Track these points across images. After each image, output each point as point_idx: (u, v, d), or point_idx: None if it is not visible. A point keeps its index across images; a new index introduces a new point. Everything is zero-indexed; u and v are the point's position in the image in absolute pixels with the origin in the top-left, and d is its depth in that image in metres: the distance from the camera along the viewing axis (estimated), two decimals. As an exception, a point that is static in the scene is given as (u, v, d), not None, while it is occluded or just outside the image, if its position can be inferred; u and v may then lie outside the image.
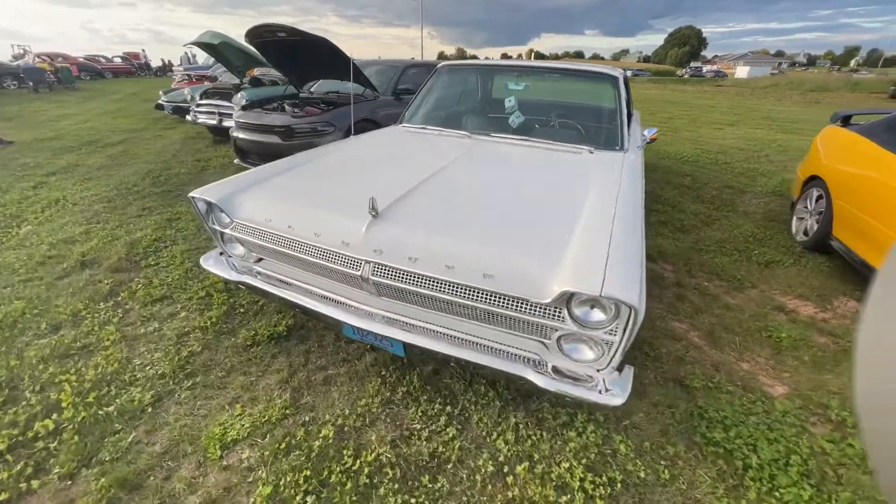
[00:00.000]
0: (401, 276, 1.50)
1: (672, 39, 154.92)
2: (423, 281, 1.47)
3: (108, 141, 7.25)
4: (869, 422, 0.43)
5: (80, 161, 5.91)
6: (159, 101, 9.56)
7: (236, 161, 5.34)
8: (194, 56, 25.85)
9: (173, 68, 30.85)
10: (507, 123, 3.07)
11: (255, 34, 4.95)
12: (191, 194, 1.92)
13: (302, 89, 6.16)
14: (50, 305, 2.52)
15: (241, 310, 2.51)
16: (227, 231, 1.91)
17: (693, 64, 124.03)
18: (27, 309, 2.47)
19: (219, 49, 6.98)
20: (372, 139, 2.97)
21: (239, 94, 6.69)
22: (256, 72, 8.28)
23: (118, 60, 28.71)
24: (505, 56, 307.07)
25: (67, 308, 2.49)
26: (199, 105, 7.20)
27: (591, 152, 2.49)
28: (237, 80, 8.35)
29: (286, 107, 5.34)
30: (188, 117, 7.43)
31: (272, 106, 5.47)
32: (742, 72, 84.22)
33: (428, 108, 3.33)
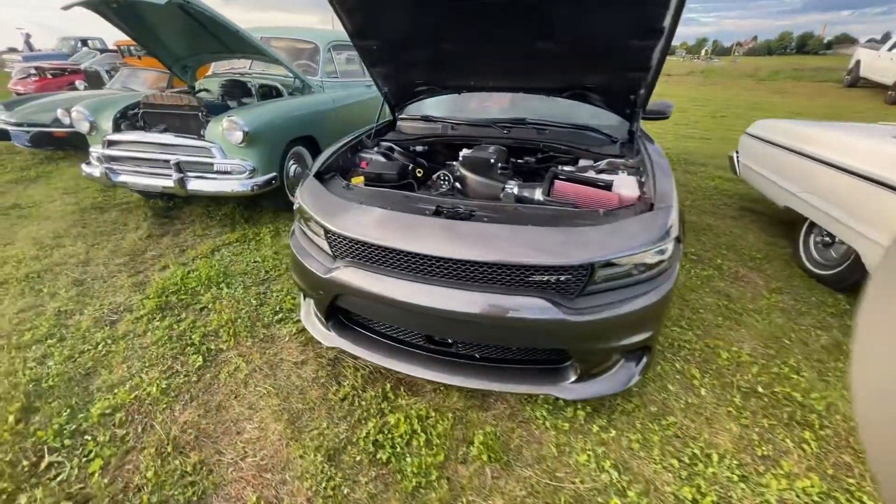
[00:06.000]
0: None
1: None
2: None
3: None
4: (869, 428, 0.39)
5: None
6: (-3, 124, 5.04)
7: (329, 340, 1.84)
8: (29, 36, 18.47)
9: (-3, 56, 22.02)
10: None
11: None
12: None
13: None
14: None
15: None
16: None
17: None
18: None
19: (150, 18, 3.19)
20: None
21: (226, 122, 3.01)
22: (225, 67, 4.40)
23: None
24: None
25: None
26: (112, 144, 3.28)
27: None
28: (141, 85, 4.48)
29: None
30: (88, 168, 3.40)
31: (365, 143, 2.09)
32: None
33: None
